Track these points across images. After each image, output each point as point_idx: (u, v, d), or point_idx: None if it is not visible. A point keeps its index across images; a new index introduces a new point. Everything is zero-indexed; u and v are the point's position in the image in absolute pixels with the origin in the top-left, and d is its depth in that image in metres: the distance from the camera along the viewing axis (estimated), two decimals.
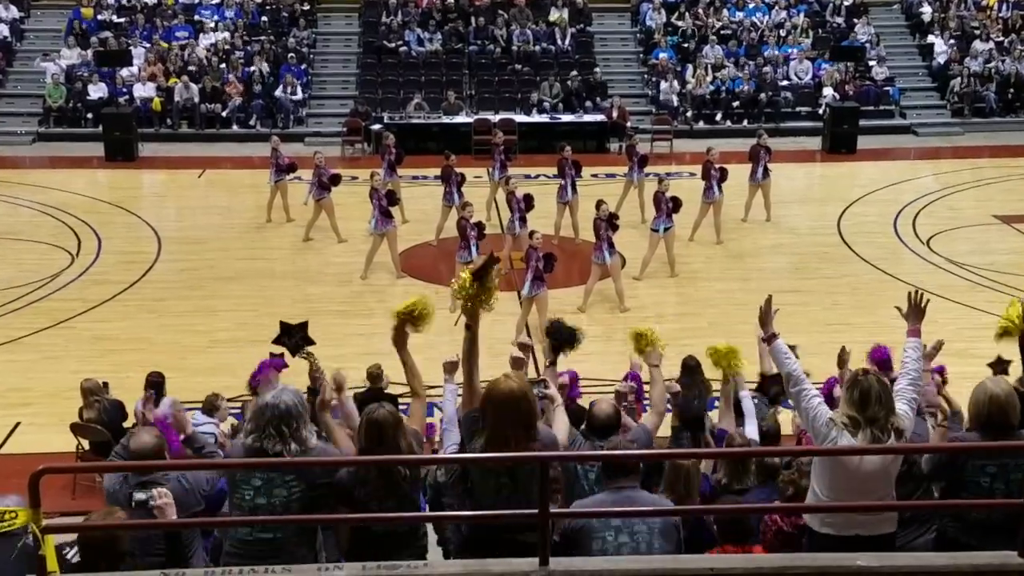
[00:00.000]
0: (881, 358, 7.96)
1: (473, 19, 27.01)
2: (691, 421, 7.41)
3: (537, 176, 20.55)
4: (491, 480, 5.16)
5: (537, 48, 26.51)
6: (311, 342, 8.00)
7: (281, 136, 19.98)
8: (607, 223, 14.35)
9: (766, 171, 18.14)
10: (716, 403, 8.08)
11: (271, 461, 5.10)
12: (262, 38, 26.33)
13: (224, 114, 24.68)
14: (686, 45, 26.72)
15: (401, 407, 7.57)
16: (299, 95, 24.92)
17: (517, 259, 15.07)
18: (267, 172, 18.50)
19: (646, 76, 26.63)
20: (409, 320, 5.95)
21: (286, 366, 7.62)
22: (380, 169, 17.73)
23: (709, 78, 25.61)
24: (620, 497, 5.27)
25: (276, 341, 7.88)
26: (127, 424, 9.70)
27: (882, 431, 5.20)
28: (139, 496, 5.52)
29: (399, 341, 5.98)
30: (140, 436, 5.78)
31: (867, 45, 26.35)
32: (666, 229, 15.63)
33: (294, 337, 7.77)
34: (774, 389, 8.60)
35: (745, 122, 24.85)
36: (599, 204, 14.63)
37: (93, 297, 15.22)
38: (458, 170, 17.22)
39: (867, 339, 12.40)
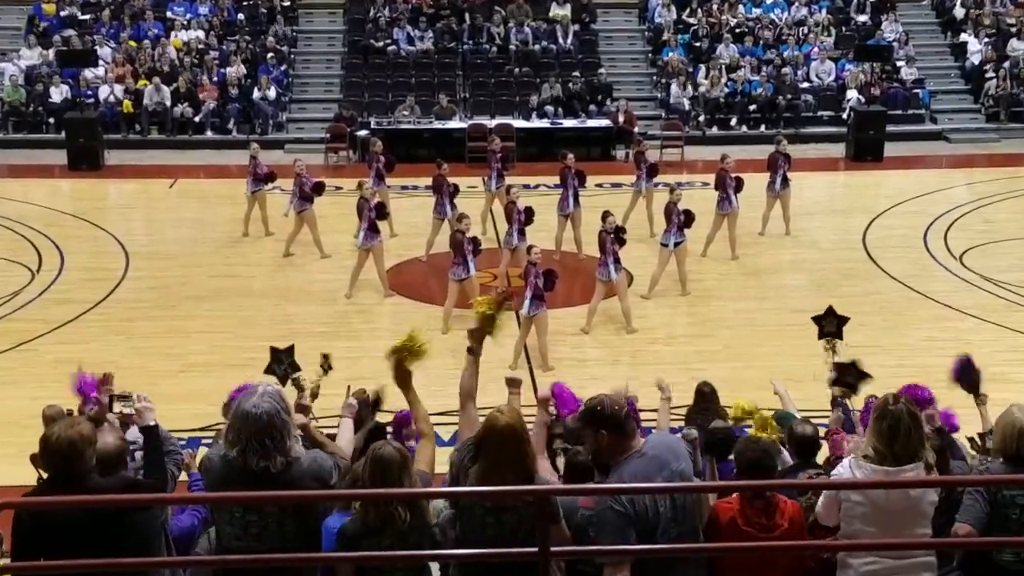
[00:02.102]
0: (918, 398, 7.32)
1: (467, 16, 27.13)
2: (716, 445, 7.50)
3: (537, 186, 20.58)
4: (478, 513, 5.19)
5: (537, 47, 26.62)
6: (298, 368, 8.11)
7: (259, 143, 20.04)
8: (613, 236, 14.33)
9: (785, 180, 18.17)
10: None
11: (258, 495, 5.01)
12: (238, 37, 26.45)
13: (198, 119, 24.74)
14: (698, 44, 26.84)
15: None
16: (272, 94, 24.97)
17: (515, 276, 15.08)
18: (244, 182, 18.51)
19: (655, 77, 26.76)
20: (405, 357, 5.98)
21: None
22: (368, 178, 17.77)
23: (723, 80, 25.70)
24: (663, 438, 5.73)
25: (268, 371, 8.03)
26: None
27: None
28: (118, 408, 6.19)
29: (403, 381, 6.00)
30: (104, 436, 5.91)
31: (894, 44, 26.46)
32: (677, 244, 15.63)
33: (283, 364, 7.90)
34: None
35: (762, 127, 24.95)
36: (605, 216, 14.57)
37: (55, 317, 15.21)
38: (451, 179, 17.25)
39: (897, 363, 12.46)
